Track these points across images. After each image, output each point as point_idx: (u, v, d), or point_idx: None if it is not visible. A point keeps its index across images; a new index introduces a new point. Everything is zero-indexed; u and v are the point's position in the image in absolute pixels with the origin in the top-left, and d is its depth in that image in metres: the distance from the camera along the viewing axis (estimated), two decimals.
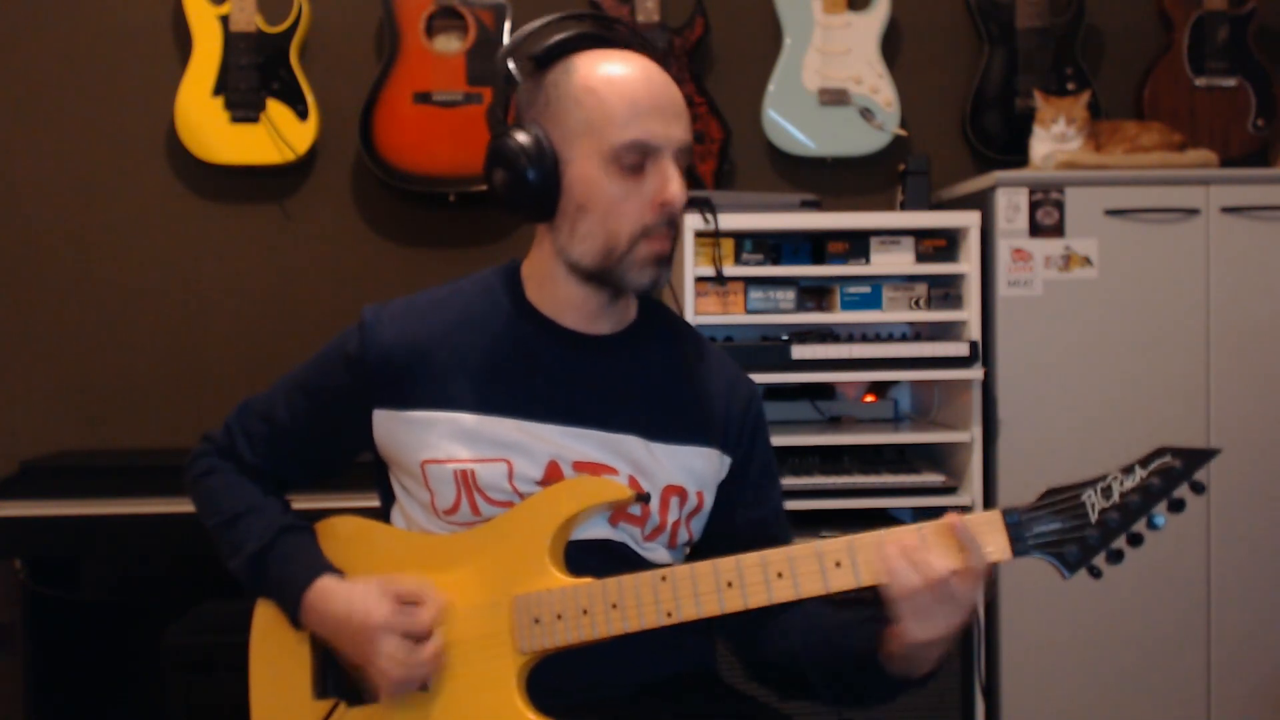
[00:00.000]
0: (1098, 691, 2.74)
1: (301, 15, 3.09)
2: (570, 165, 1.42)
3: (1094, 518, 1.23)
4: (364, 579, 1.45)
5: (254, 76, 3.05)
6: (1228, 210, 2.77)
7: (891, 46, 3.24)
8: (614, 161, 1.40)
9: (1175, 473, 1.22)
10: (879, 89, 3.15)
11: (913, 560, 1.25)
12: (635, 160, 1.40)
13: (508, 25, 3.08)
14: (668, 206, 1.41)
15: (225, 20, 3.05)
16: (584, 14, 1.52)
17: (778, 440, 2.71)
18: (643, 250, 1.42)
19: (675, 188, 1.41)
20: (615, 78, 1.41)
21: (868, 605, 1.33)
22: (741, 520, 1.53)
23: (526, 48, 1.45)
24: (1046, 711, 2.74)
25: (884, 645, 1.32)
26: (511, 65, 1.45)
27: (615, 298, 1.48)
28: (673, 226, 1.44)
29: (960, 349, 2.69)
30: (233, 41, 3.04)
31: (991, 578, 2.59)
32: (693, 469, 1.51)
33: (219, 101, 3.04)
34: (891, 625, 1.29)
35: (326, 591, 1.45)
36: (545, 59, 1.44)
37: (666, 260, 1.45)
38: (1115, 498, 1.23)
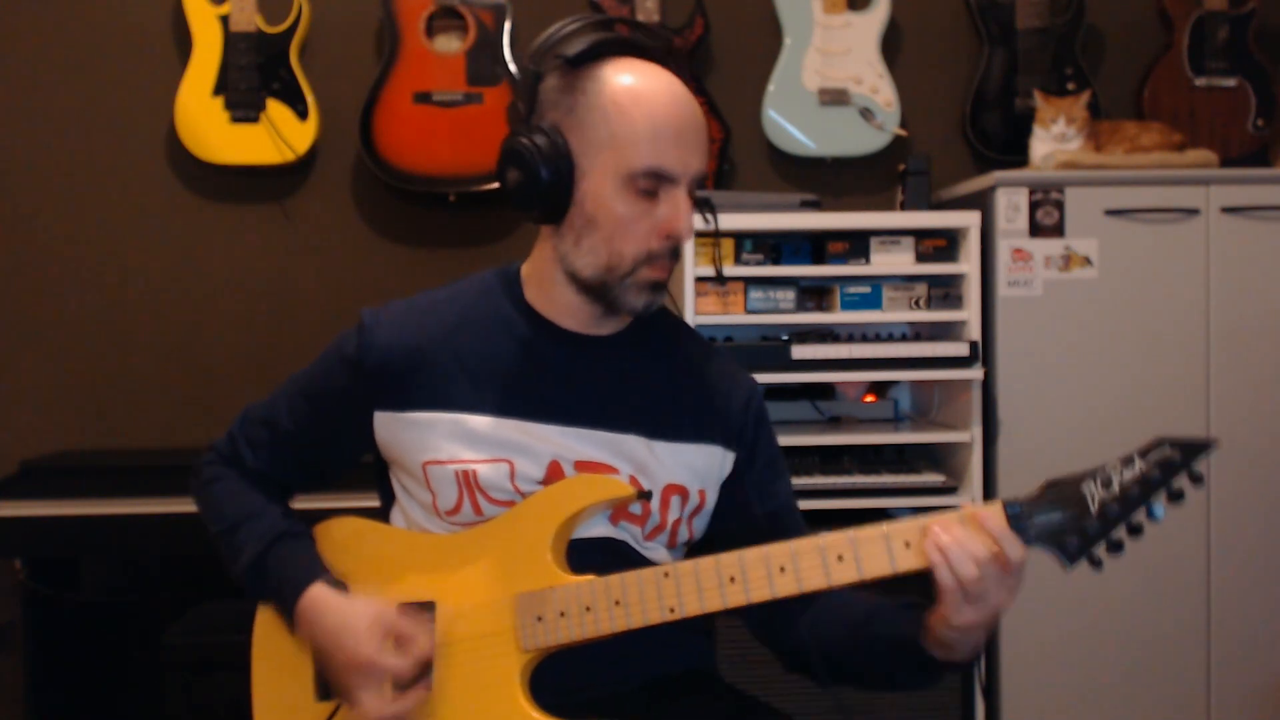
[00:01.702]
0: (1098, 691, 2.74)
1: (301, 15, 3.09)
2: (585, 177, 1.41)
3: (1094, 508, 1.23)
4: (364, 600, 1.44)
5: (254, 76, 3.05)
6: (1228, 210, 2.77)
7: (891, 46, 3.24)
8: (629, 183, 1.40)
9: (1174, 463, 1.23)
10: (879, 89, 3.15)
11: (966, 548, 1.25)
12: (650, 186, 1.40)
13: (508, 25, 3.07)
14: (674, 237, 1.42)
15: (225, 20, 3.05)
16: (622, 20, 1.50)
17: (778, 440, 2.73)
18: (643, 274, 1.43)
19: (685, 221, 1.41)
20: (645, 98, 1.40)
21: (906, 590, 1.33)
22: (754, 515, 1.52)
23: (560, 47, 1.43)
24: (1046, 711, 2.74)
25: (928, 630, 1.32)
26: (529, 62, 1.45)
27: (607, 313, 1.49)
28: (674, 256, 1.44)
29: (960, 349, 2.69)
30: (233, 41, 3.04)
31: None
32: (694, 467, 1.51)
33: (219, 101, 3.04)
34: (936, 609, 1.29)
35: (319, 603, 1.44)
36: (577, 61, 1.42)
37: (662, 286, 1.45)
38: (1115, 489, 1.23)
